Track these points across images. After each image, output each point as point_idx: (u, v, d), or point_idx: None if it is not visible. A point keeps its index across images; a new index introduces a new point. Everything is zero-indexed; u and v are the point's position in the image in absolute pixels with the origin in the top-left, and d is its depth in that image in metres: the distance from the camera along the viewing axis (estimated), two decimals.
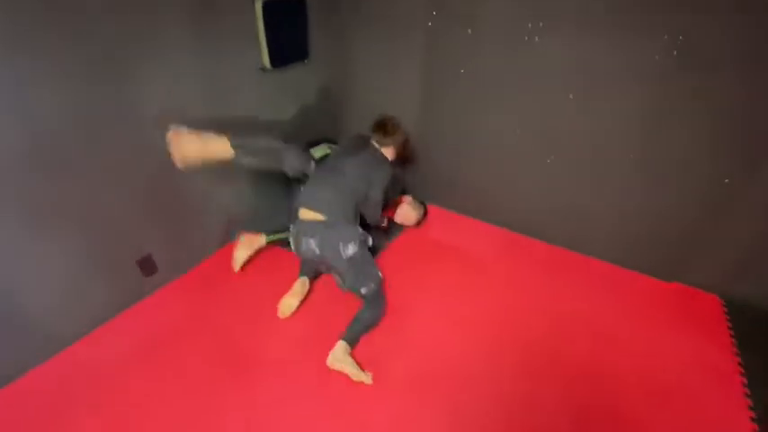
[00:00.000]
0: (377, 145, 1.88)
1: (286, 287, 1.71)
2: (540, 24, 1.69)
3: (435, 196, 2.51)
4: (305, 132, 2.30)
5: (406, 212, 2.19)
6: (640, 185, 1.80)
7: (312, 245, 1.60)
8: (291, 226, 1.70)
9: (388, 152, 1.90)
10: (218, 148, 1.45)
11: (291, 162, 1.64)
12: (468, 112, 2.09)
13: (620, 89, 1.65)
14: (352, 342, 1.50)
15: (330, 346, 1.47)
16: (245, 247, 1.71)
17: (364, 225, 1.78)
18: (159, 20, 1.45)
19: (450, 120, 2.17)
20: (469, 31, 1.87)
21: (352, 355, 1.47)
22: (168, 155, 1.42)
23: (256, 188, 2.14)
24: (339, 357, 1.42)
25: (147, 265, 1.71)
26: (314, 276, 1.81)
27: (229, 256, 1.84)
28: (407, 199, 2.26)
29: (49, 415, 1.30)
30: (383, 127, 1.85)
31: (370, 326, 1.59)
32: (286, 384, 1.42)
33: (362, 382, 1.40)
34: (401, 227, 2.25)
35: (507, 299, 1.82)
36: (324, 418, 1.33)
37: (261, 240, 1.74)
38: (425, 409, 1.36)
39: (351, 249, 1.59)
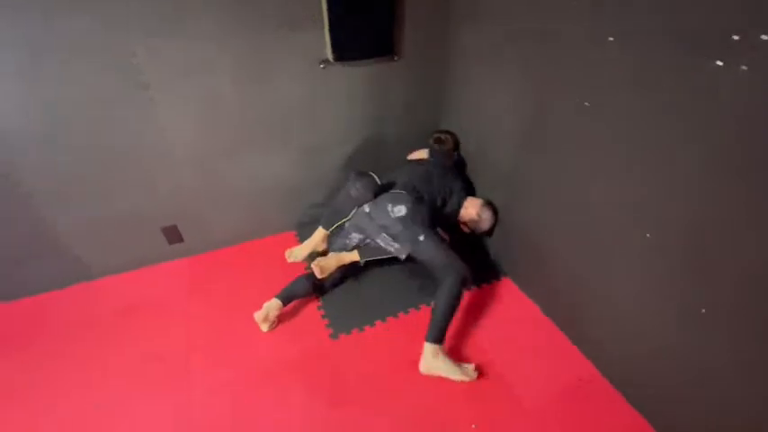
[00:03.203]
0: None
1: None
2: (736, 38, 0.77)
3: (512, 270, 1.77)
4: (374, 150, 1.95)
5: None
6: None
7: (365, 209, 1.64)
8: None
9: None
10: (350, 257, 1.64)
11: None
12: (579, 173, 1.27)
13: None
14: (438, 338, 1.36)
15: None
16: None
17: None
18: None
19: (554, 177, 1.38)
20: (611, 38, 1.06)
21: (444, 352, 1.36)
22: None
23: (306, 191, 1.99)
24: (429, 362, 1.33)
25: (171, 234, 1.81)
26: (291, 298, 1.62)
27: (257, 248, 1.96)
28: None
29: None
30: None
31: (452, 306, 1.39)
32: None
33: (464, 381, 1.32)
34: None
35: None
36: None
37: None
38: None
39: (401, 211, 1.57)
